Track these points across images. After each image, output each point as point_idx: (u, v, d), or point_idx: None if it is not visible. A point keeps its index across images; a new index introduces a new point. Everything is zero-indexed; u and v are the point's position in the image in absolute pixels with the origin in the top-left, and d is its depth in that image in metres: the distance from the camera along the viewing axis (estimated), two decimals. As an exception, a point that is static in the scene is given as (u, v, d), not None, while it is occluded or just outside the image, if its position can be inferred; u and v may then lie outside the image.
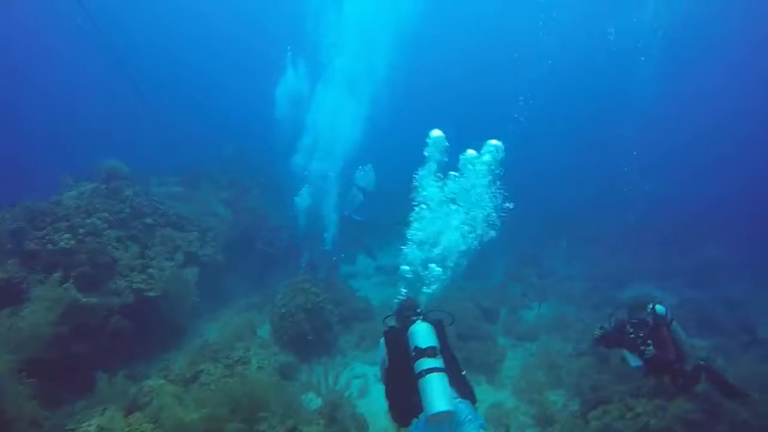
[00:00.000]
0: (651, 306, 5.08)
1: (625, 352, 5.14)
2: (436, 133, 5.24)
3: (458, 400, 3.02)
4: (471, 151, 5.34)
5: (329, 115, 11.35)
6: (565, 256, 17.01)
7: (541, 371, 8.19)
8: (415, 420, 2.97)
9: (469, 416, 3.02)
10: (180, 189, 11.28)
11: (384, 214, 11.27)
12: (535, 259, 17.32)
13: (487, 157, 5.38)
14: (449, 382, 3.00)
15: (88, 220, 6.93)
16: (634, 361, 5.06)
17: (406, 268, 5.25)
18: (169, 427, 4.83)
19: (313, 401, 6.61)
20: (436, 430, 2.90)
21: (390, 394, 3.24)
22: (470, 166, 5.40)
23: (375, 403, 6.03)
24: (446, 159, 5.37)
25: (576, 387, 7.60)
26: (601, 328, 5.22)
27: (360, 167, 11.74)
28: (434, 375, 2.94)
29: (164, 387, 5.93)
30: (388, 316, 3.68)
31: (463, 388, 3.12)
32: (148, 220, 8.71)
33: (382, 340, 3.41)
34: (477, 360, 8.28)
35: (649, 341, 4.79)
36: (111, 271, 7.04)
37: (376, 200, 11.79)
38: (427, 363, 2.98)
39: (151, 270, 7.63)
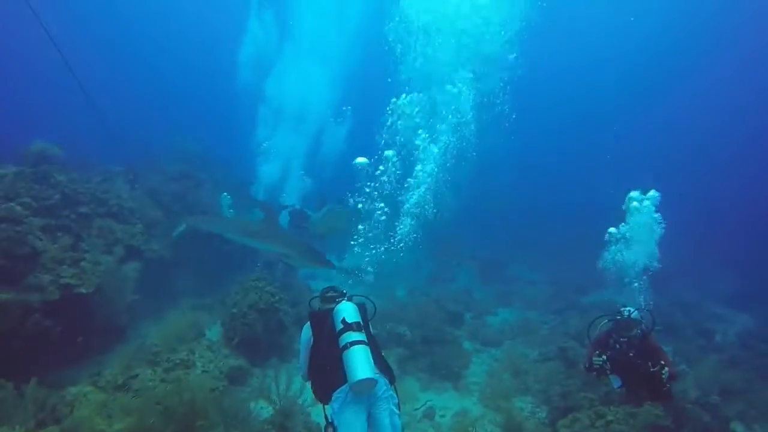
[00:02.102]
0: (627, 313, 4.68)
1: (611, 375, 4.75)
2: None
3: (379, 375, 3.11)
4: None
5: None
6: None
7: (507, 377, 7.89)
8: (336, 393, 3.04)
9: (387, 392, 3.13)
10: None
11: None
12: (499, 264, 17.24)
13: None
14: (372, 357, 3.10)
15: (3, 205, 6.04)
16: (616, 382, 4.75)
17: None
18: (86, 442, 4.13)
19: (265, 409, 6.00)
20: (356, 400, 2.98)
21: (313, 372, 3.31)
22: None
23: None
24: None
25: (543, 393, 7.33)
26: (599, 356, 4.62)
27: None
28: (359, 346, 3.02)
29: (89, 395, 5.17)
30: (314, 298, 3.76)
31: (382, 366, 3.20)
32: (84, 209, 7.82)
33: (306, 324, 3.45)
34: (442, 365, 7.90)
35: (661, 362, 4.34)
36: (32, 263, 6.17)
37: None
38: (351, 336, 3.07)
39: (83, 263, 6.79)
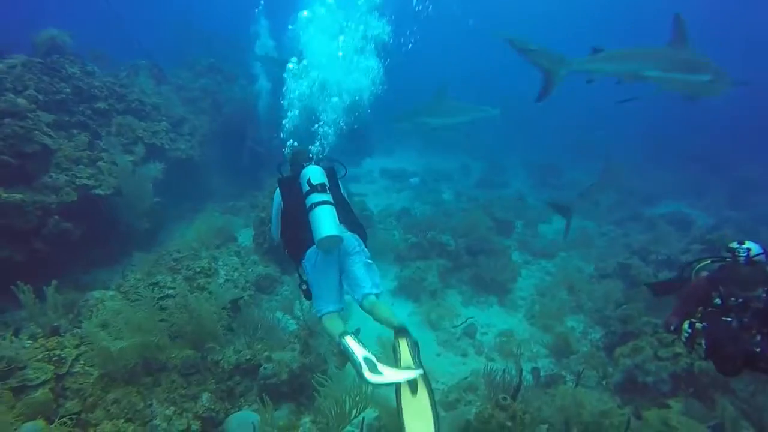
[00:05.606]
0: (745, 253, 2.68)
1: None
2: None
3: (348, 232, 3.21)
4: None
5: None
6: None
7: (558, 293, 7.15)
8: (306, 252, 3.16)
9: (358, 248, 3.22)
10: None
11: None
12: (553, 168, 15.82)
13: None
14: (338, 217, 3.15)
15: (4, 98, 5.47)
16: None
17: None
18: (93, 354, 3.86)
19: (292, 321, 5.69)
20: (326, 258, 3.09)
21: (285, 234, 3.42)
22: None
23: (361, 326, 4.92)
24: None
25: (598, 313, 6.58)
26: (695, 322, 2.83)
27: None
28: (323, 206, 3.09)
29: (107, 301, 4.94)
30: (282, 163, 3.77)
31: (353, 226, 3.31)
32: (101, 105, 7.23)
33: (277, 189, 3.52)
34: (488, 278, 7.22)
35: None
36: (45, 162, 5.75)
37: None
38: (316, 197, 3.13)
39: (100, 164, 6.35)
